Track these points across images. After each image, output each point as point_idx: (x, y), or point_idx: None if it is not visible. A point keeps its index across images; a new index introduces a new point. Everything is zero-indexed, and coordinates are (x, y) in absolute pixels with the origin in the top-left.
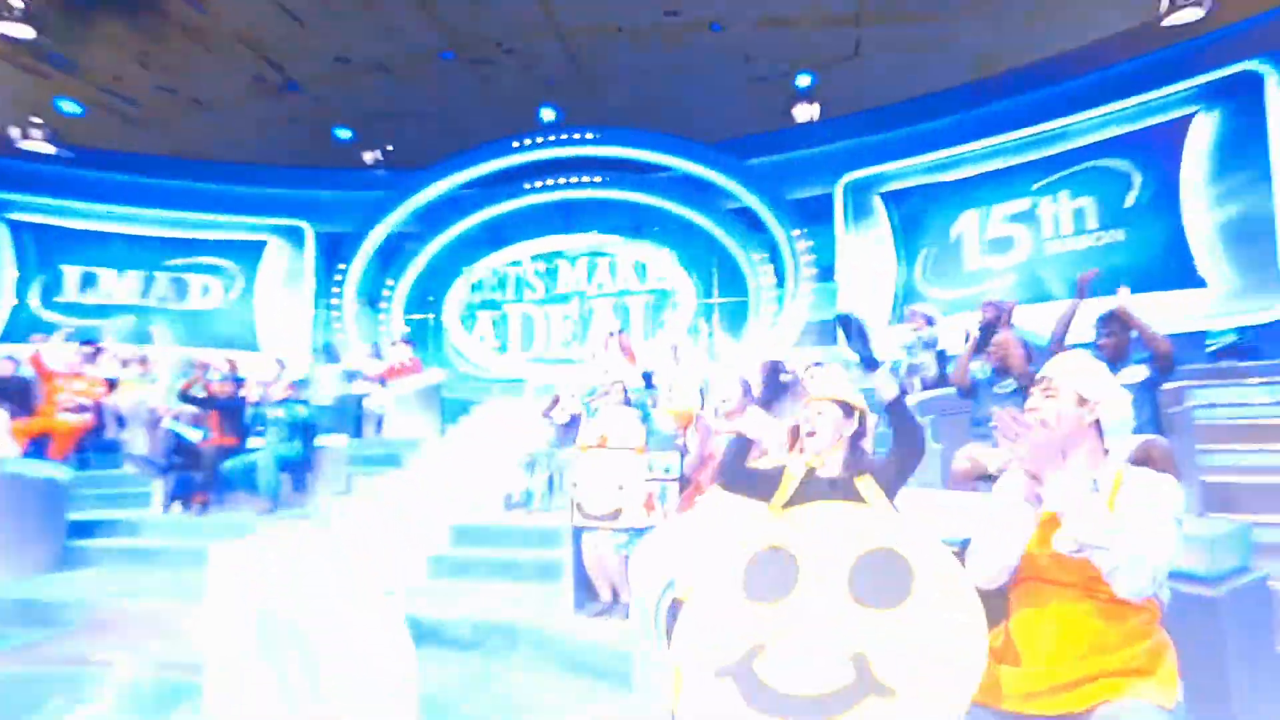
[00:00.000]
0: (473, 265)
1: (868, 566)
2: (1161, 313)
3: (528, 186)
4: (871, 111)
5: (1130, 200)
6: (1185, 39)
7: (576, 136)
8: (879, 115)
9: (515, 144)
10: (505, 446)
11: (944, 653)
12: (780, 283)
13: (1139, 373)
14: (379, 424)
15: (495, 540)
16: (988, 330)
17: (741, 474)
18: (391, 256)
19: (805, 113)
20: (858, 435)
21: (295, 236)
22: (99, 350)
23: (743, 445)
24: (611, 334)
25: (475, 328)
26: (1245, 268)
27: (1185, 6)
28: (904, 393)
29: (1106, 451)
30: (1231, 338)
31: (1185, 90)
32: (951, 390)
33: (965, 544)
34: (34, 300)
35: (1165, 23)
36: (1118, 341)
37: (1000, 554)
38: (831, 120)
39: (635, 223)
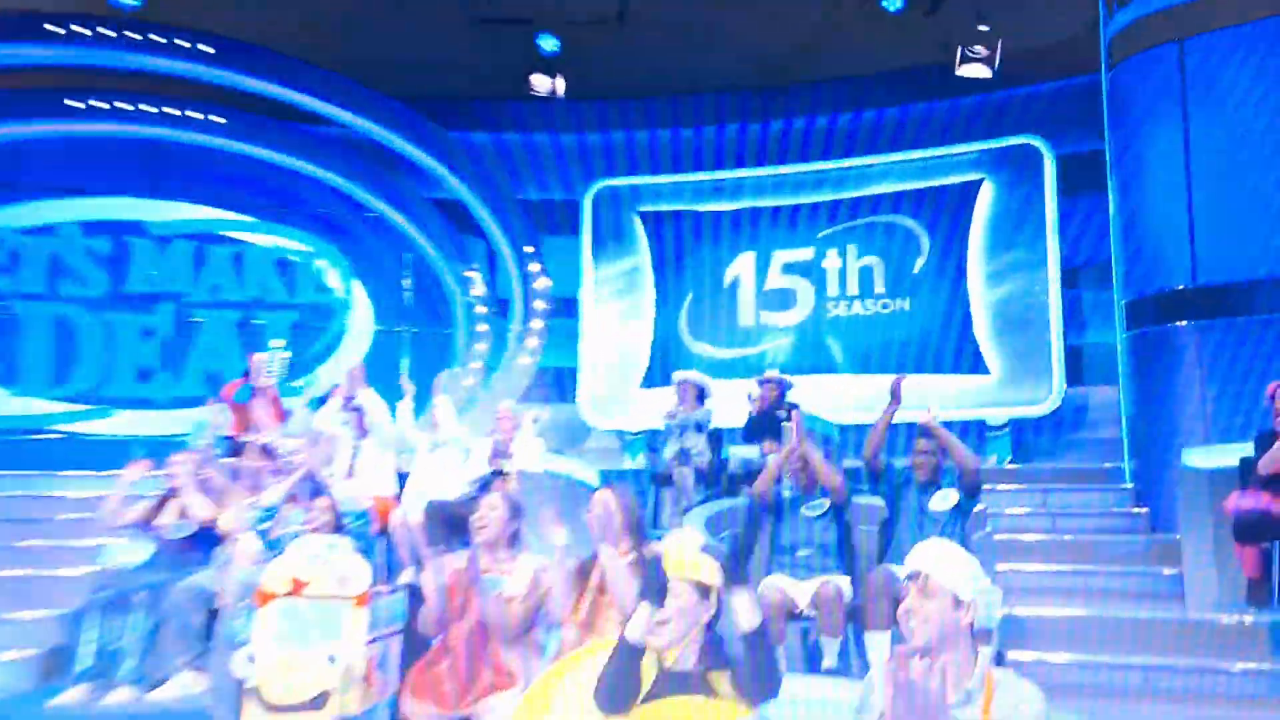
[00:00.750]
0: None
1: None
2: (944, 399)
3: (76, 105)
4: (636, 102)
5: (919, 266)
6: (978, 93)
7: (165, 41)
8: (645, 108)
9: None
10: None
11: None
12: (503, 313)
13: (949, 497)
14: None
15: None
16: (765, 417)
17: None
18: None
19: (544, 84)
20: (714, 620)
21: None
22: None
23: None
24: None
25: None
26: (1018, 355)
27: (974, 60)
28: (766, 627)
29: (976, 655)
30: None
31: (974, 153)
32: (737, 501)
33: None
34: None
35: (959, 72)
36: (934, 463)
37: None
38: (583, 104)
39: (280, 199)
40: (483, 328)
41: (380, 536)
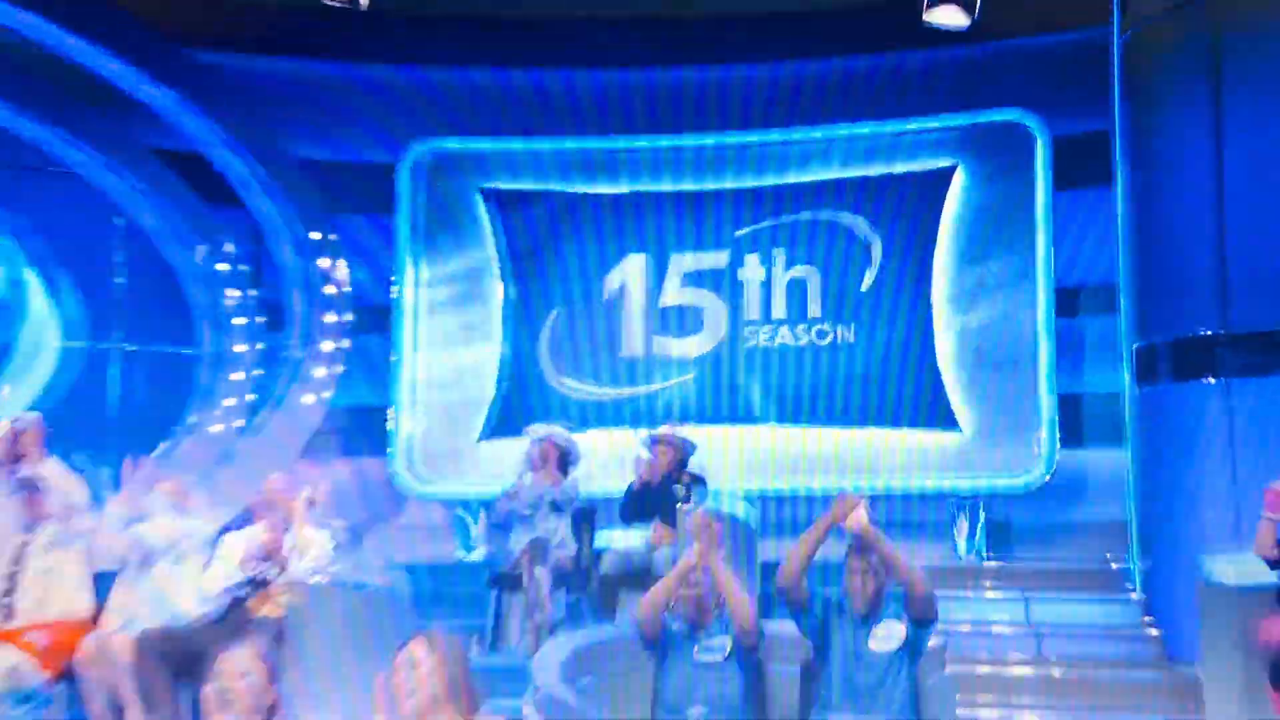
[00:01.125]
0: None
1: None
2: (896, 464)
3: None
4: (477, 30)
5: (868, 281)
6: (951, 47)
7: None
8: (490, 40)
9: None
10: None
11: None
12: (279, 324)
13: (894, 632)
14: None
15: None
16: (656, 492)
17: None
18: None
19: None
20: None
21: None
22: None
23: None
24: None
25: None
26: (996, 405)
27: (947, 2)
28: None
29: None
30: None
31: (943, 130)
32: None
33: None
34: None
35: (926, 18)
36: (872, 587)
37: None
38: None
39: None
40: (241, 347)
41: (59, 684)
